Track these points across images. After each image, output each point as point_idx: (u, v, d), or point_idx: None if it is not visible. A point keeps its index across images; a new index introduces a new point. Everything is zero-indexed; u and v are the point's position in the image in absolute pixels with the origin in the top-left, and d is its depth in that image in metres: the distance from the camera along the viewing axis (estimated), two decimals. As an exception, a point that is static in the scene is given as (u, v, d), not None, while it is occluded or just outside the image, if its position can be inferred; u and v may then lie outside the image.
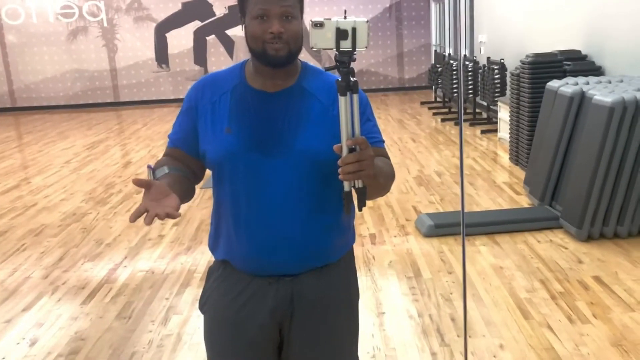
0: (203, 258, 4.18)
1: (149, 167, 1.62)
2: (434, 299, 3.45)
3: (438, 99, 11.06)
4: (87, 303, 3.61)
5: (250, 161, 1.55)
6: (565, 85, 4.87)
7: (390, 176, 1.60)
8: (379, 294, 3.56)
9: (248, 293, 1.62)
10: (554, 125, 4.86)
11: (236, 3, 1.60)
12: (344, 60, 1.38)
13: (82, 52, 12.82)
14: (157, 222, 5.04)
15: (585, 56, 5.94)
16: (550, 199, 4.83)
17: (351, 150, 1.38)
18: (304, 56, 1.58)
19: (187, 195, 1.62)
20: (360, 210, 1.49)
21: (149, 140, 8.96)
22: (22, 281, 3.97)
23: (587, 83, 4.89)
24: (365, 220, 4.79)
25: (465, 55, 9.65)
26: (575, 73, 5.55)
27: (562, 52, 5.99)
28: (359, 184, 1.42)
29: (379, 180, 1.48)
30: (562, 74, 5.65)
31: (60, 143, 9.07)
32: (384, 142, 1.67)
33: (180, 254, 4.32)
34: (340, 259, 1.67)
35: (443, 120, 9.38)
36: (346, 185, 1.43)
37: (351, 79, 1.38)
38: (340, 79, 1.39)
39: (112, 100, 12.99)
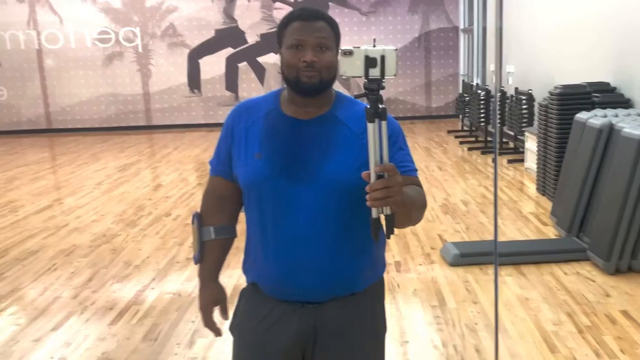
0: (230, 281, 4.22)
1: (195, 216, 1.78)
2: (459, 329, 3.44)
3: (465, 128, 11.06)
4: (115, 324, 3.67)
5: (278, 187, 1.58)
6: (594, 117, 4.85)
7: (421, 205, 1.59)
8: (403, 322, 3.55)
9: (273, 318, 1.64)
10: (582, 157, 4.84)
11: (268, 31, 1.68)
12: (373, 87, 1.39)
13: (117, 77, 13.14)
14: (185, 244, 5.12)
15: (614, 88, 5.91)
16: (577, 230, 4.79)
17: (379, 176, 1.37)
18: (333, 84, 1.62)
19: (228, 251, 1.84)
20: (388, 237, 1.48)
21: (180, 163, 9.11)
22: (52, 300, 4.06)
23: (616, 115, 4.87)
24: (390, 248, 4.80)
25: (487, 85, 9.65)
26: (603, 105, 5.53)
27: (590, 84, 5.97)
28: (386, 210, 1.40)
29: (408, 207, 1.46)
30: (590, 106, 5.63)
31: (93, 165, 9.28)
32: (416, 170, 1.66)
33: (206, 277, 4.37)
34: (366, 289, 1.67)
35: (470, 149, 9.36)
36: (374, 212, 1.41)
37: (379, 106, 1.39)
38: (368, 106, 1.40)
39: (145, 124, 13.25)
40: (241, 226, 1.77)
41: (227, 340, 1.77)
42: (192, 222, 1.78)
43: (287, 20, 1.59)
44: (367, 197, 1.36)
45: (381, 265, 1.73)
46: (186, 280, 4.32)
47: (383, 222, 1.44)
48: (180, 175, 8.21)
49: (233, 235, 1.80)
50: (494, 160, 2.21)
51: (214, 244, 1.77)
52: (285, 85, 1.64)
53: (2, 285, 4.36)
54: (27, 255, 5.03)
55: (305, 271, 1.59)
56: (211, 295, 1.79)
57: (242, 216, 1.78)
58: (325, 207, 1.57)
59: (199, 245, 1.76)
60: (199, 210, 1.80)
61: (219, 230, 1.76)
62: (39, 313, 3.87)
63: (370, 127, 1.39)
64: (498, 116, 8.63)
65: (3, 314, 3.87)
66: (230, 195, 1.74)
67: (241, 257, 1.78)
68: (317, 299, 1.62)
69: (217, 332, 1.81)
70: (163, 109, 13.23)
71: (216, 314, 1.80)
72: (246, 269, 1.74)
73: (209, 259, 1.78)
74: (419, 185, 1.64)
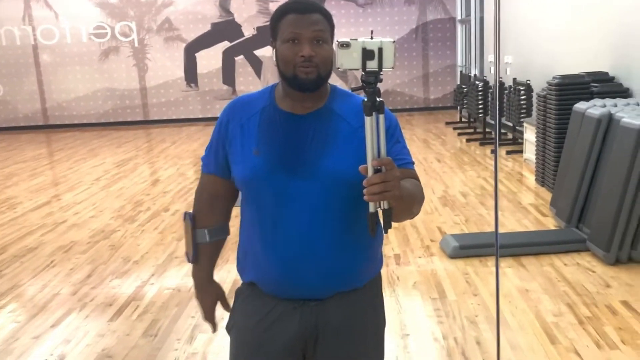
0: (229, 276, 4.22)
1: (188, 216, 1.76)
2: (459, 321, 3.43)
3: (463, 119, 11.05)
4: (114, 320, 3.66)
5: (277, 183, 1.55)
6: (593, 107, 4.84)
7: (418, 198, 1.57)
8: (403, 315, 3.55)
9: (273, 316, 1.62)
10: (581, 147, 4.83)
11: (264, 24, 1.65)
12: (370, 80, 1.36)
13: (113, 72, 13.09)
14: (184, 240, 5.09)
15: (613, 78, 5.90)
16: (577, 221, 4.79)
17: (377, 170, 1.35)
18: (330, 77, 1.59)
19: (221, 250, 1.85)
20: (385, 232, 1.47)
21: (177, 158, 9.08)
22: (51, 297, 4.05)
23: (615, 105, 4.85)
24: (390, 241, 4.79)
25: (485, 76, 9.63)
26: (602, 95, 5.51)
27: (589, 74, 5.95)
28: (384, 205, 1.38)
29: (405, 201, 1.43)
30: (589, 96, 5.62)
31: (90, 160, 9.25)
32: (413, 163, 1.64)
33: (206, 272, 4.36)
34: (366, 284, 1.66)
35: (468, 140, 9.35)
36: (371, 207, 1.39)
37: (377, 99, 1.37)
38: (366, 99, 1.37)
39: (142, 119, 13.22)
40: (234, 222, 1.76)
41: (227, 336, 1.75)
42: (185, 219, 1.79)
43: (282, 13, 1.55)
44: (365, 191, 1.34)
45: (379, 260, 1.72)
46: (185, 276, 4.31)
47: (381, 216, 1.42)
48: (178, 170, 8.19)
49: (226, 234, 1.82)
50: (494, 152, 2.20)
51: (208, 246, 1.79)
52: (280, 80, 1.61)
53: (1, 282, 4.35)
54: (25, 252, 5.02)
55: (307, 267, 1.57)
56: (211, 297, 1.83)
57: (235, 211, 1.77)
58: (325, 202, 1.55)
59: (193, 247, 1.77)
60: (191, 210, 1.79)
61: (213, 232, 1.77)
62: (38, 310, 3.86)
63: (368, 120, 1.37)
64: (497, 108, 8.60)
65: (2, 311, 3.86)
66: (224, 194, 1.73)
67: (240, 251, 1.76)
68: (319, 296, 1.60)
69: (215, 328, 1.86)
70: (160, 103, 13.20)
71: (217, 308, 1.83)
72: (242, 267, 1.71)
73: (204, 260, 1.80)
74: (416, 178, 1.62)
